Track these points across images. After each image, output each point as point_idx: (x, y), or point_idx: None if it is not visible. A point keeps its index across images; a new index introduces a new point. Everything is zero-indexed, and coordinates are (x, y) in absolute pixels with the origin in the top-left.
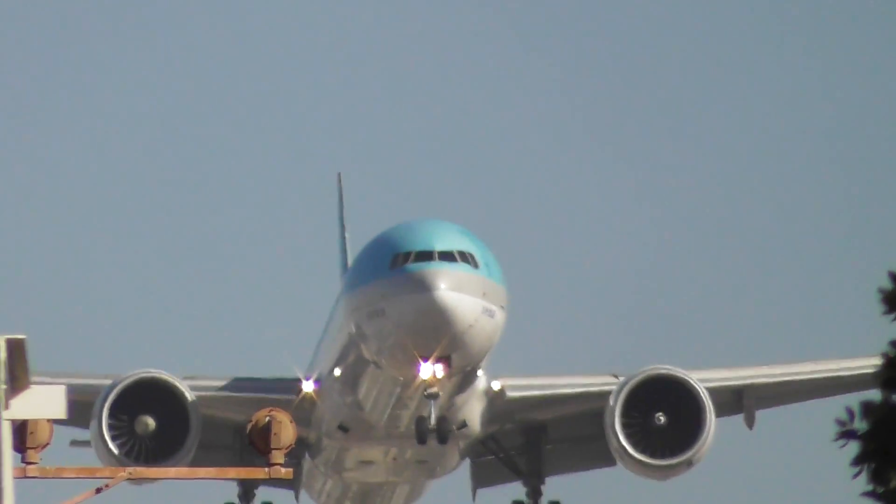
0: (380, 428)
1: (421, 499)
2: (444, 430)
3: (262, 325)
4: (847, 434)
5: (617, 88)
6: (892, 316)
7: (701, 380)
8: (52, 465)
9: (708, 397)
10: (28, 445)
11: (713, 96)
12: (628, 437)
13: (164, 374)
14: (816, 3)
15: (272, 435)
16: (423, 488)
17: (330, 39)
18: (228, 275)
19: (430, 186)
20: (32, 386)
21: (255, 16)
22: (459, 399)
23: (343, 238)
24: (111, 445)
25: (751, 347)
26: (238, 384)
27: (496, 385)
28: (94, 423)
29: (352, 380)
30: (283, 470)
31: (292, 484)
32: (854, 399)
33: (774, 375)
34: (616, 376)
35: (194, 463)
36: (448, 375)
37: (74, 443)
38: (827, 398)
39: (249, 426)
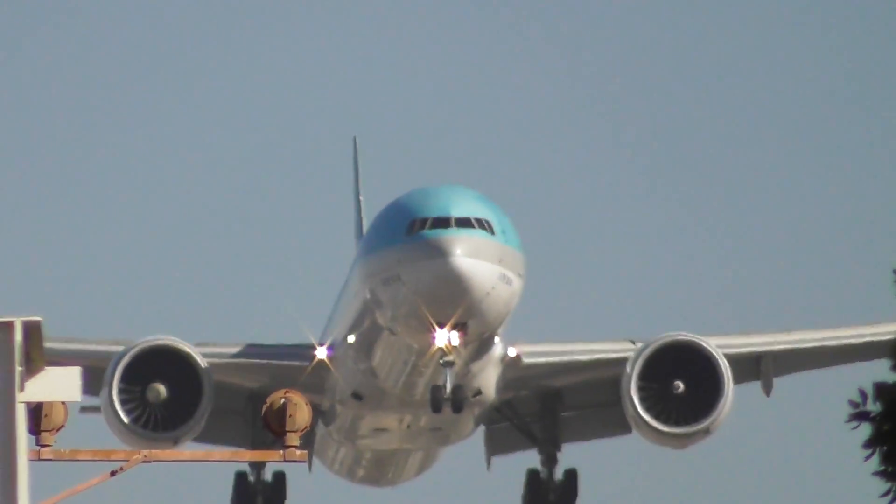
0: (394, 395)
1: (434, 465)
2: (460, 399)
3: (277, 292)
4: (860, 416)
5: (638, 47)
6: None
7: (719, 346)
8: (66, 448)
9: (726, 364)
10: (43, 428)
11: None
12: (644, 404)
13: (177, 341)
14: (816, 3)
15: (287, 417)
16: (436, 455)
17: (348, 3)
18: (242, 241)
19: (447, 151)
20: (47, 368)
21: None
22: (475, 367)
23: (358, 203)
24: (122, 415)
25: (769, 314)
26: (251, 350)
27: (512, 352)
28: (104, 391)
29: (366, 347)
30: (297, 452)
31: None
32: (871, 367)
33: (793, 342)
34: (633, 342)
35: (206, 429)
36: (464, 343)
37: (85, 409)
38: (845, 365)
39: (264, 408)
